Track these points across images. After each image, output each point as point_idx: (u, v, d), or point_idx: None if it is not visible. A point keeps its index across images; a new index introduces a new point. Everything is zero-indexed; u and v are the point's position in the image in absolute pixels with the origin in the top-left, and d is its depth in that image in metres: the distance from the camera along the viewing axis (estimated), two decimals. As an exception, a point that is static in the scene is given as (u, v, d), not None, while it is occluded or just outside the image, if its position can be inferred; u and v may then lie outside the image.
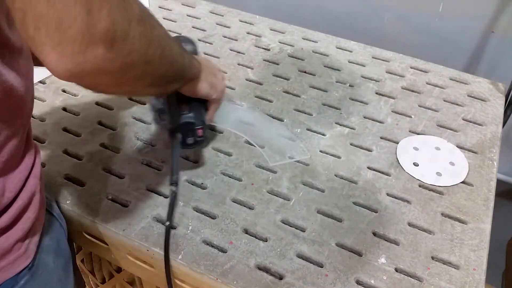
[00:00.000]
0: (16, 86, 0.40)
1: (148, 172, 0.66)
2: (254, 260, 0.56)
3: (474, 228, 0.60)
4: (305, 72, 0.85)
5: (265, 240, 0.58)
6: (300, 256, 0.57)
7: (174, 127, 0.59)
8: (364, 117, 0.76)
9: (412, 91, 0.82)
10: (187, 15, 0.99)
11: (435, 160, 0.69)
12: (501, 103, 0.80)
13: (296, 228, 0.59)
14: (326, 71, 0.86)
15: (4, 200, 0.43)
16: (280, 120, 0.75)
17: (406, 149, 0.70)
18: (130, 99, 0.77)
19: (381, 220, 0.61)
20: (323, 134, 0.73)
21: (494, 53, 0.95)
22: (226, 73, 0.84)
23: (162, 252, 0.55)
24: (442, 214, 0.62)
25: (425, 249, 0.58)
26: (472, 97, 0.81)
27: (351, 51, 0.91)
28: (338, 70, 0.86)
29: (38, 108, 0.75)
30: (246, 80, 0.83)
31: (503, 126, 0.77)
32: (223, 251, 0.56)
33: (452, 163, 0.69)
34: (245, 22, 0.98)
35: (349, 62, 0.88)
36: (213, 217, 0.60)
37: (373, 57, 0.89)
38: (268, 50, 0.90)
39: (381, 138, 0.73)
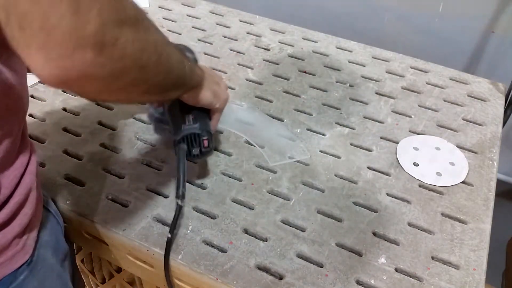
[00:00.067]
0: (14, 84, 0.40)
1: (148, 172, 0.66)
2: (254, 260, 0.56)
3: (474, 228, 0.60)
4: (305, 72, 0.85)
5: (265, 240, 0.58)
6: (300, 256, 0.57)
7: (179, 138, 0.58)
8: (364, 117, 0.76)
9: (412, 91, 0.82)
10: (187, 15, 0.99)
11: (435, 160, 0.69)
12: (501, 103, 0.80)
13: (296, 228, 0.59)
14: (326, 71, 0.86)
15: (0, 196, 0.43)
16: (280, 120, 0.75)
17: (406, 149, 0.70)
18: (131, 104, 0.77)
19: (381, 220, 0.61)
20: (323, 134, 0.73)
21: (494, 53, 0.95)
22: (226, 73, 0.84)
23: (162, 252, 0.55)
24: (442, 214, 0.62)
25: (425, 249, 0.58)
26: (472, 97, 0.81)
27: (351, 51, 0.91)
28: (338, 70, 0.86)
29: (38, 108, 0.75)
30: (246, 80, 0.83)
31: (503, 126, 0.77)
32: (223, 251, 0.56)
33: (452, 163, 0.69)
34: (245, 22, 0.98)
35: (349, 62, 0.88)
36: (213, 217, 0.60)
37: (373, 57, 0.89)
38: (268, 50, 0.90)
39: (381, 138, 0.73)
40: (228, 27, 0.96)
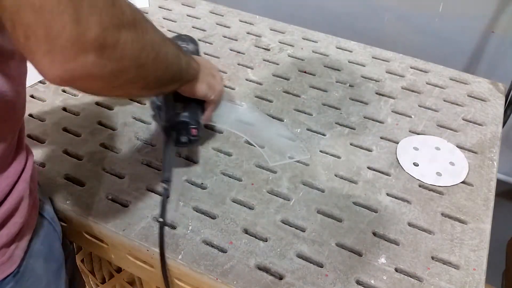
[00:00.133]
0: (4, 90, 0.40)
1: (148, 172, 0.66)
2: (254, 260, 0.56)
3: (474, 228, 0.60)
4: (305, 72, 0.85)
5: (265, 240, 0.58)
6: (300, 256, 0.57)
7: (168, 125, 0.60)
8: (364, 117, 0.76)
9: (412, 91, 0.82)
10: (187, 15, 0.99)
11: (435, 160, 0.69)
12: (501, 103, 0.80)
13: (296, 228, 0.59)
14: (326, 71, 0.86)
15: None
16: (280, 120, 0.75)
17: (406, 149, 0.70)
18: (130, 99, 0.77)
19: (381, 220, 0.61)
20: (323, 134, 0.73)
21: (494, 53, 0.95)
22: (226, 73, 0.84)
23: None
24: (442, 214, 0.62)
25: (425, 249, 0.58)
26: (472, 97, 0.81)
27: (351, 51, 0.91)
28: (338, 70, 0.86)
29: (38, 108, 0.75)
30: (246, 80, 0.83)
31: (503, 126, 0.77)
32: (223, 251, 0.56)
33: (452, 163, 0.69)
34: (245, 22, 0.98)
35: (349, 62, 0.88)
36: (213, 217, 0.60)
37: (373, 57, 0.89)
38: (268, 50, 0.90)
39: (381, 138, 0.73)
40: (228, 27, 0.96)
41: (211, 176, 0.65)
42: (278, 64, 0.87)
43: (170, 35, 0.92)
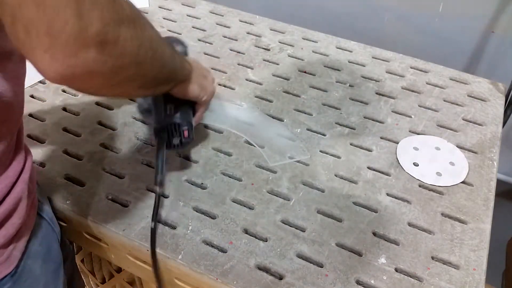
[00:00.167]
0: (2, 91, 0.40)
1: (148, 172, 0.66)
2: (254, 260, 0.56)
3: (474, 228, 0.60)
4: (305, 72, 0.85)
5: (265, 240, 0.58)
6: (300, 256, 0.57)
7: (160, 127, 0.59)
8: (364, 117, 0.76)
9: (412, 91, 0.82)
10: (187, 15, 0.99)
11: (435, 160, 0.69)
12: (501, 103, 0.80)
13: (296, 228, 0.59)
14: (326, 71, 0.86)
15: None
16: (280, 120, 0.75)
17: (406, 149, 0.70)
18: (130, 99, 0.77)
19: (381, 220, 0.61)
20: (323, 134, 0.73)
21: (494, 53, 0.95)
22: (226, 73, 0.84)
23: (162, 252, 0.55)
24: (442, 214, 0.62)
25: (425, 249, 0.58)
26: (472, 97, 0.81)
27: (351, 51, 0.91)
28: (338, 70, 0.86)
29: (38, 108, 0.75)
30: (246, 80, 0.83)
31: (503, 126, 0.77)
32: (223, 251, 0.56)
33: (452, 163, 0.69)
34: (245, 22, 0.98)
35: (349, 62, 0.88)
36: (213, 217, 0.60)
37: (373, 57, 0.89)
38: (268, 50, 0.90)
39: (381, 138, 0.73)
40: (228, 27, 0.96)
41: (211, 176, 0.65)
42: (278, 64, 0.87)
43: (170, 35, 0.92)
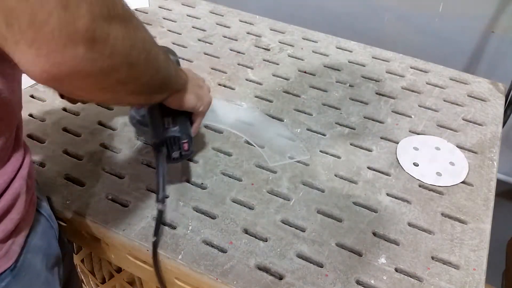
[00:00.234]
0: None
1: (148, 172, 0.66)
2: (254, 260, 0.56)
3: (474, 228, 0.60)
4: (305, 72, 0.85)
5: (265, 240, 0.58)
6: (300, 256, 0.57)
7: (159, 142, 0.57)
8: (364, 117, 0.76)
9: (412, 91, 0.82)
10: (187, 15, 0.99)
11: (435, 160, 0.69)
12: (501, 103, 0.80)
13: (296, 228, 0.59)
14: (326, 71, 0.86)
15: None
16: (280, 120, 0.75)
17: (406, 149, 0.70)
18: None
19: (381, 220, 0.61)
20: (323, 134, 0.73)
21: (494, 53, 0.95)
22: (226, 73, 0.84)
23: (162, 252, 0.55)
24: (442, 214, 0.62)
25: (425, 249, 0.58)
26: (472, 97, 0.81)
27: (351, 51, 0.91)
28: (338, 70, 0.86)
29: (38, 108, 0.75)
30: (246, 80, 0.83)
31: (503, 126, 0.77)
32: (223, 251, 0.56)
33: (452, 163, 0.69)
34: (245, 22, 0.98)
35: (349, 62, 0.88)
36: (213, 217, 0.60)
37: (373, 57, 0.89)
38: (268, 50, 0.90)
39: (381, 138, 0.73)
40: (228, 27, 0.96)
41: (211, 176, 0.65)
42: (278, 64, 0.87)
43: (170, 35, 0.92)
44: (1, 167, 0.43)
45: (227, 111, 0.75)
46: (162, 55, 0.46)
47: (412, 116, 0.77)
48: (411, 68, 0.87)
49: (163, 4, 1.02)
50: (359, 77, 0.85)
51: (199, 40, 0.92)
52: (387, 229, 0.60)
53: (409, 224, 0.61)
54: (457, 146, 0.72)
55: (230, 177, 0.65)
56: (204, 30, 0.95)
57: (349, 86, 0.83)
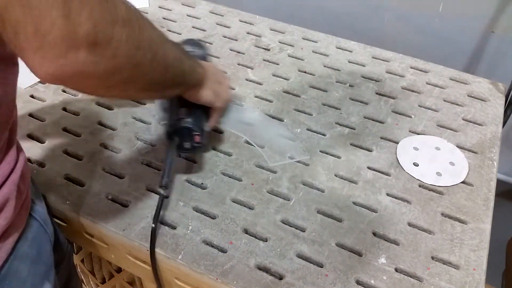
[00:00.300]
0: None
1: (148, 172, 0.66)
2: (254, 260, 0.56)
3: (474, 228, 0.60)
4: (305, 72, 0.85)
5: (265, 240, 0.58)
6: (300, 256, 0.57)
7: (171, 130, 0.59)
8: (364, 117, 0.76)
9: (412, 91, 0.82)
10: (187, 15, 0.99)
11: (435, 160, 0.69)
12: (501, 103, 0.80)
13: (296, 228, 0.59)
14: (326, 71, 0.86)
15: None
16: (280, 120, 0.75)
17: (406, 149, 0.70)
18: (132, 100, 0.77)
19: (381, 220, 0.61)
20: (323, 134, 0.73)
21: (494, 53, 0.95)
22: (226, 73, 0.84)
23: (162, 252, 0.55)
24: (442, 214, 0.62)
25: (425, 249, 0.58)
26: (472, 97, 0.81)
27: (351, 51, 0.91)
28: (338, 70, 0.86)
29: (38, 108, 0.75)
30: (246, 80, 0.83)
31: (503, 126, 0.77)
32: (223, 251, 0.56)
33: (452, 163, 0.69)
34: (245, 22, 0.98)
35: (349, 62, 0.88)
36: (213, 217, 0.60)
37: (373, 57, 0.89)
38: (268, 50, 0.90)
39: (381, 138, 0.73)
40: (228, 27, 0.96)
41: (211, 176, 0.65)
42: (278, 64, 0.87)
43: (170, 35, 0.92)
44: None
45: (227, 111, 0.75)
46: (174, 52, 0.46)
47: (412, 116, 0.77)
48: (411, 68, 0.87)
49: (163, 4, 1.02)
50: (359, 77, 0.85)
51: (199, 40, 0.92)
52: (387, 229, 0.60)
53: (409, 224, 0.61)
54: (457, 146, 0.72)
55: (230, 177, 0.65)
56: (204, 30, 0.95)
57: (349, 86, 0.83)
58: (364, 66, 0.87)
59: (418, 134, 0.73)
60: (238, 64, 0.86)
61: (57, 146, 0.69)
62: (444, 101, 0.80)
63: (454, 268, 0.56)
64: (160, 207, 0.57)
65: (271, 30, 0.96)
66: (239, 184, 0.64)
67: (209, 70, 0.57)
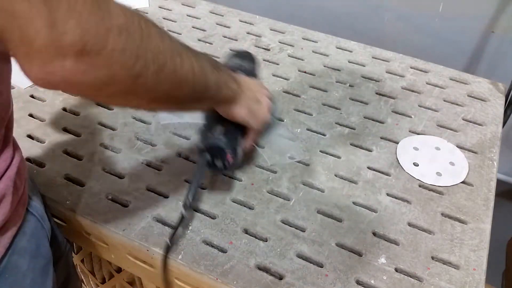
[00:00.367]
0: None
1: (148, 172, 0.66)
2: (254, 260, 0.56)
3: (474, 228, 0.60)
4: (305, 72, 0.85)
5: (265, 240, 0.58)
6: (300, 256, 0.57)
7: (203, 148, 0.57)
8: (364, 117, 0.76)
9: (412, 91, 0.82)
10: (187, 15, 0.99)
11: (435, 160, 0.69)
12: (501, 103, 0.80)
13: (296, 228, 0.59)
14: (326, 71, 0.86)
15: None
16: (280, 120, 0.75)
17: (406, 149, 0.70)
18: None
19: (381, 220, 0.61)
20: (323, 134, 0.73)
21: (494, 53, 0.95)
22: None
23: (162, 252, 0.55)
24: (442, 214, 0.62)
25: (425, 249, 0.58)
26: (472, 97, 0.81)
27: (351, 51, 0.91)
28: (338, 70, 0.86)
29: (38, 108, 0.75)
30: (246, 80, 0.83)
31: (503, 126, 0.77)
32: (223, 251, 0.56)
33: (452, 163, 0.69)
34: (245, 22, 0.98)
35: (349, 62, 0.88)
36: (213, 217, 0.60)
37: (373, 57, 0.89)
38: (268, 50, 0.90)
39: (381, 138, 0.73)
40: (228, 27, 0.96)
41: (211, 176, 0.65)
42: (278, 64, 0.87)
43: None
44: None
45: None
46: (194, 64, 0.44)
47: (412, 116, 0.77)
48: (411, 68, 0.87)
49: (163, 4, 1.02)
50: (359, 77, 0.85)
51: (199, 40, 0.92)
52: (387, 229, 0.60)
53: (409, 224, 0.61)
54: (457, 146, 0.72)
55: (230, 177, 0.65)
56: (204, 30, 0.95)
57: (349, 86, 0.83)
58: (364, 66, 0.87)
59: (418, 134, 0.73)
60: (238, 64, 0.86)
61: (57, 146, 0.69)
62: (444, 101, 0.80)
63: (454, 268, 0.56)
64: (177, 226, 0.55)
65: (271, 30, 0.96)
66: (239, 184, 0.64)
67: (247, 87, 0.54)
